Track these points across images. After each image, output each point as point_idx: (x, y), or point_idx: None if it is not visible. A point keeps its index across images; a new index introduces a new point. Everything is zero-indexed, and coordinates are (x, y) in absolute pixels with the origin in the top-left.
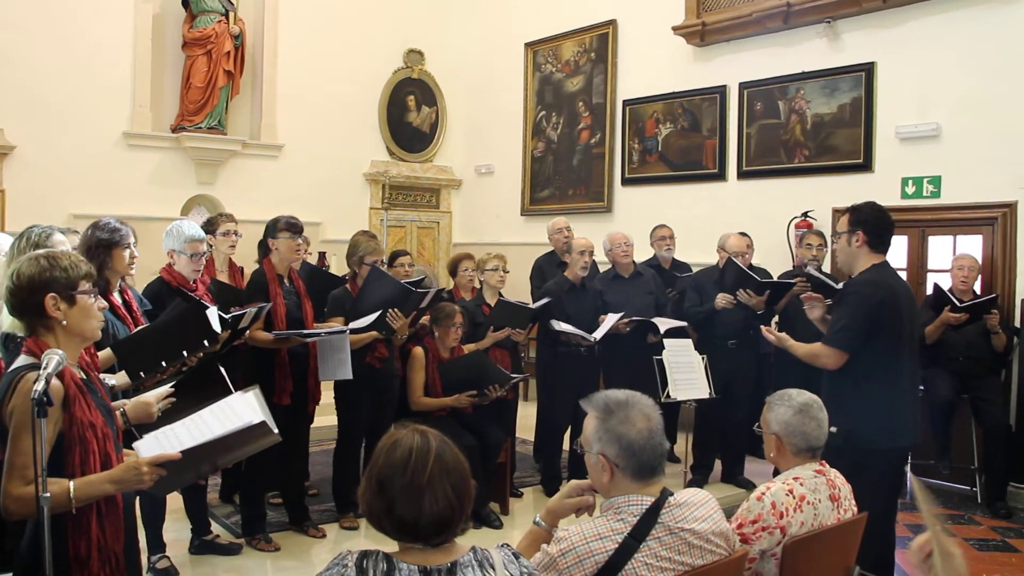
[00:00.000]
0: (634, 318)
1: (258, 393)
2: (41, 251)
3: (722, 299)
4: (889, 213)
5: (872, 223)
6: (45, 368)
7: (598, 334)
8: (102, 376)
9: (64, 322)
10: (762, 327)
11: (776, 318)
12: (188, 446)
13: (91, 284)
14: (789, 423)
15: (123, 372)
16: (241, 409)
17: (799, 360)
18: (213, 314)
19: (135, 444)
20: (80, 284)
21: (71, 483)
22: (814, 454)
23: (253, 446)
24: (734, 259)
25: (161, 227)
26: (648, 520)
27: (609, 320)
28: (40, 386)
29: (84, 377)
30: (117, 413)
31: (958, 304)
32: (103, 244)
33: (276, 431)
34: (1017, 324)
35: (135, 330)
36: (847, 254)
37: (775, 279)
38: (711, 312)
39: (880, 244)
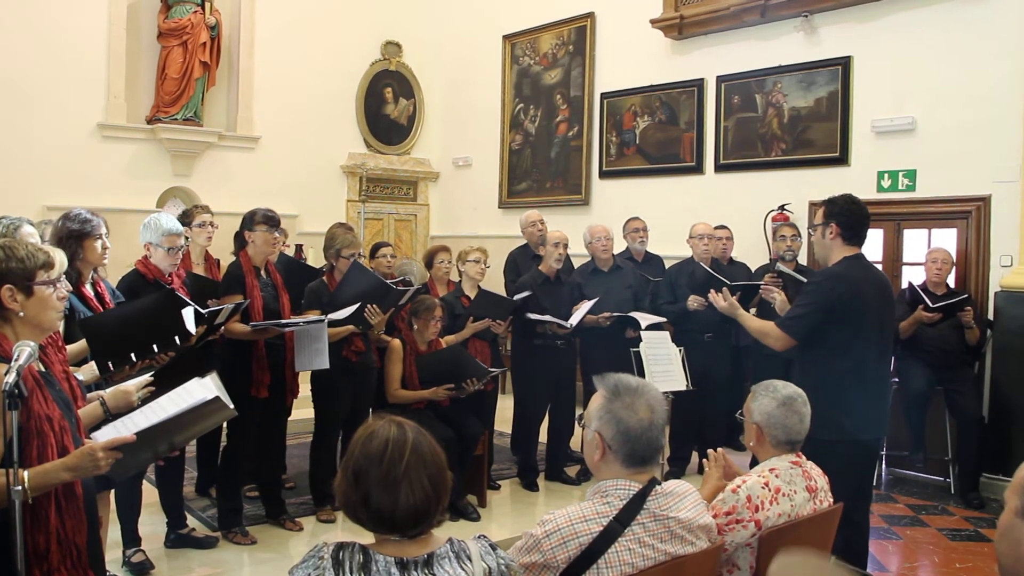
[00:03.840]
0: (614, 313)
1: (215, 376)
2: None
3: (693, 301)
4: (865, 206)
5: (845, 215)
6: (16, 360)
7: (573, 320)
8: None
9: (21, 313)
10: (711, 291)
11: (753, 311)
12: (143, 427)
13: (51, 274)
14: (772, 414)
15: (90, 365)
16: (196, 391)
17: (776, 353)
18: (188, 313)
19: (93, 434)
20: (37, 275)
21: (25, 472)
22: (793, 447)
23: (209, 422)
24: (702, 263)
25: (136, 219)
26: (635, 505)
27: (584, 307)
28: (11, 378)
29: (42, 370)
30: (96, 403)
31: (930, 304)
32: (74, 235)
33: (231, 406)
34: (990, 317)
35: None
36: (822, 247)
37: (745, 281)
38: (684, 311)
39: (854, 237)
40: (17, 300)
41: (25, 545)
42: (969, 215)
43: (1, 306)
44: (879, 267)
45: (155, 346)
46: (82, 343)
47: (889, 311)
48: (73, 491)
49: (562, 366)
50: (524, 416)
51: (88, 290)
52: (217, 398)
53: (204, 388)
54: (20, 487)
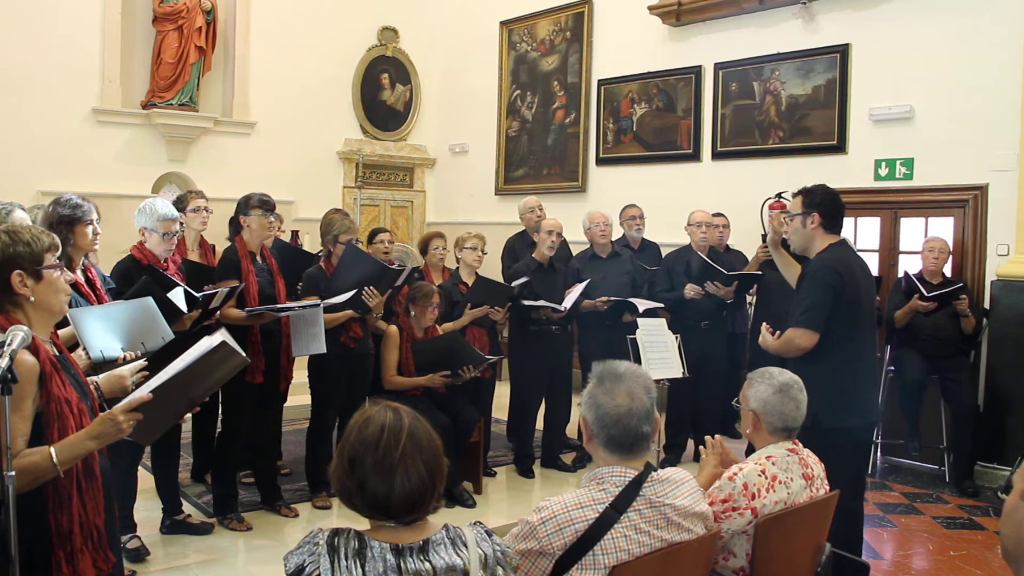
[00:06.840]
0: (612, 298)
1: (224, 332)
2: (2, 227)
3: (691, 290)
4: (840, 195)
5: (826, 204)
6: (9, 344)
7: (567, 303)
8: None
9: (32, 298)
10: (763, 328)
11: (751, 299)
12: (156, 385)
13: (56, 257)
14: (768, 401)
15: (77, 354)
16: (205, 344)
17: None
18: (178, 293)
19: (111, 409)
20: (45, 258)
21: (52, 448)
22: (789, 434)
23: (223, 371)
24: (699, 251)
25: (131, 205)
26: (630, 492)
27: (576, 289)
28: (3, 363)
29: (57, 353)
30: (91, 387)
31: (926, 293)
32: (65, 220)
33: (243, 353)
34: (986, 306)
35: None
36: (802, 236)
37: (742, 269)
38: (681, 299)
39: (834, 225)
40: (27, 285)
41: (48, 526)
42: (966, 204)
43: (12, 292)
44: (875, 255)
45: (143, 341)
46: (70, 329)
47: (873, 296)
48: (92, 471)
49: (558, 353)
50: (520, 403)
51: (79, 276)
52: (224, 343)
53: (211, 339)
54: (12, 473)
